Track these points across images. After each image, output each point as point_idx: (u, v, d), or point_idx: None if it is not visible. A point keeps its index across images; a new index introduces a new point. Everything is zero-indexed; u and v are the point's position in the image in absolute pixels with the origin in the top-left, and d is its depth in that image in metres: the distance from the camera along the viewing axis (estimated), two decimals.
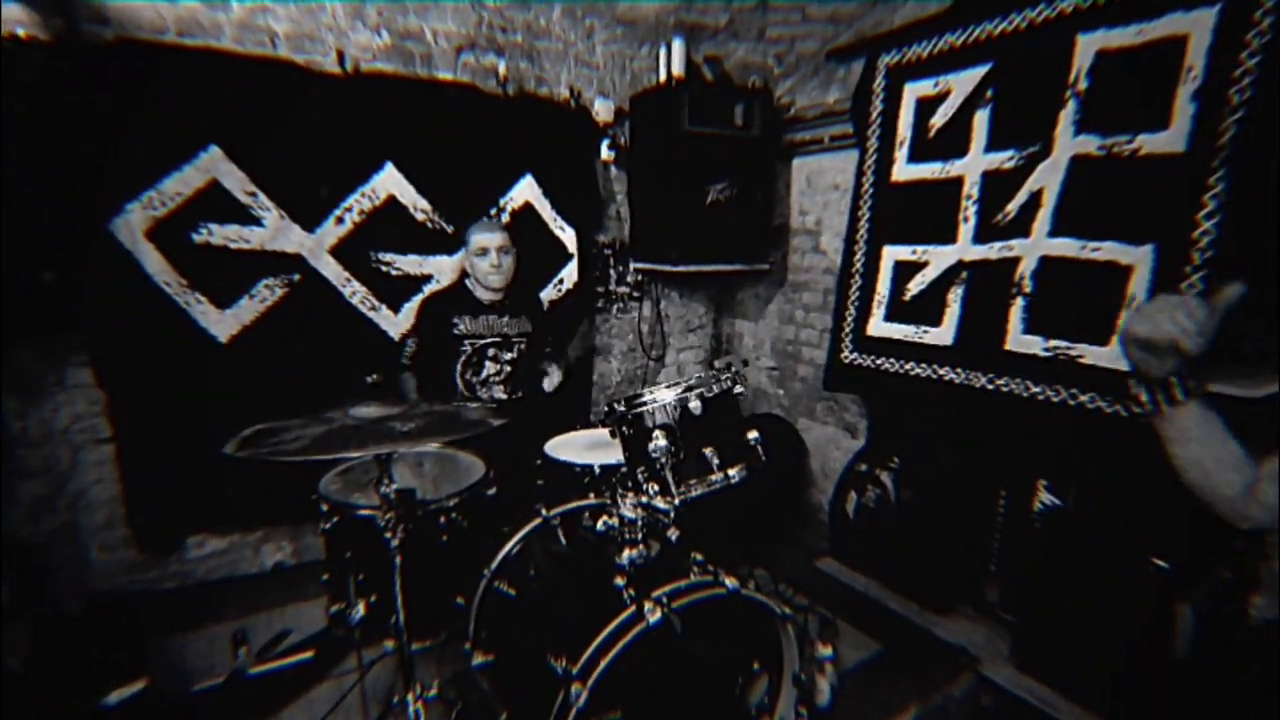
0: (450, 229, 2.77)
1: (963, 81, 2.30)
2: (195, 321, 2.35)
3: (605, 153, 3.15)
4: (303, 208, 2.49)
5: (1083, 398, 2.04)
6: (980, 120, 2.27)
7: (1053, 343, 2.09)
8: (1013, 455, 2.42)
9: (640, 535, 1.74)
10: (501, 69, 2.87)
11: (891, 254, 2.59)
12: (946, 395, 2.43)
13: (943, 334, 2.42)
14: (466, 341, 2.46)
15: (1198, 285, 1.78)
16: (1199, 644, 1.86)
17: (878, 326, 2.65)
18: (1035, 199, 2.11)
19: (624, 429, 1.71)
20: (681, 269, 3.06)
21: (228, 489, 2.46)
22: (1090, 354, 2.01)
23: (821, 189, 3.08)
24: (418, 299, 2.69)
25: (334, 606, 1.89)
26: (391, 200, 2.64)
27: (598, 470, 2.08)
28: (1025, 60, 2.13)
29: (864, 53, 2.65)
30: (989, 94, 2.23)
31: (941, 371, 2.43)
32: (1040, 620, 2.30)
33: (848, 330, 2.78)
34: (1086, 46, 1.97)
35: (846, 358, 2.80)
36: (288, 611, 2.44)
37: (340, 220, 2.55)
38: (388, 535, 1.52)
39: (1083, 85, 1.99)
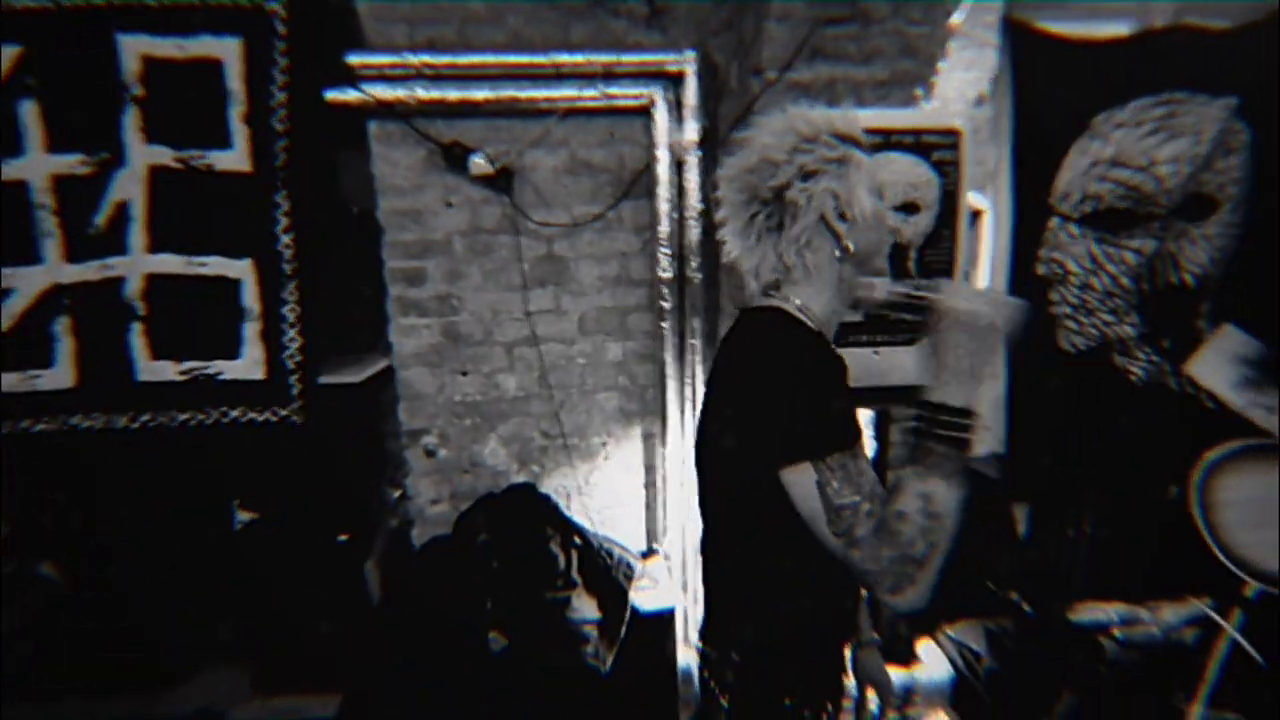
0: None
1: None
2: None
3: None
4: None
5: (234, 413, 2.02)
6: (32, 113, 1.85)
7: (187, 365, 1.97)
8: (199, 488, 2.25)
9: None
10: None
11: None
12: (93, 446, 2.00)
13: (61, 376, 1.95)
14: None
15: (295, 293, 1.98)
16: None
17: None
18: (124, 211, 1.89)
19: None
20: None
21: None
22: (228, 369, 2.00)
23: None
24: None
25: None
26: None
27: None
28: (67, 51, 1.83)
29: None
30: (30, 82, 1.83)
31: (75, 420, 1.98)
32: (269, 630, 2.28)
33: None
34: (130, 49, 1.83)
35: None
36: None
37: None
38: None
39: (140, 91, 1.85)
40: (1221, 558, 1.70)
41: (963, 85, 2.04)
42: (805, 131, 0.98)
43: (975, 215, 2.16)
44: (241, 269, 1.96)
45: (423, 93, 1.96)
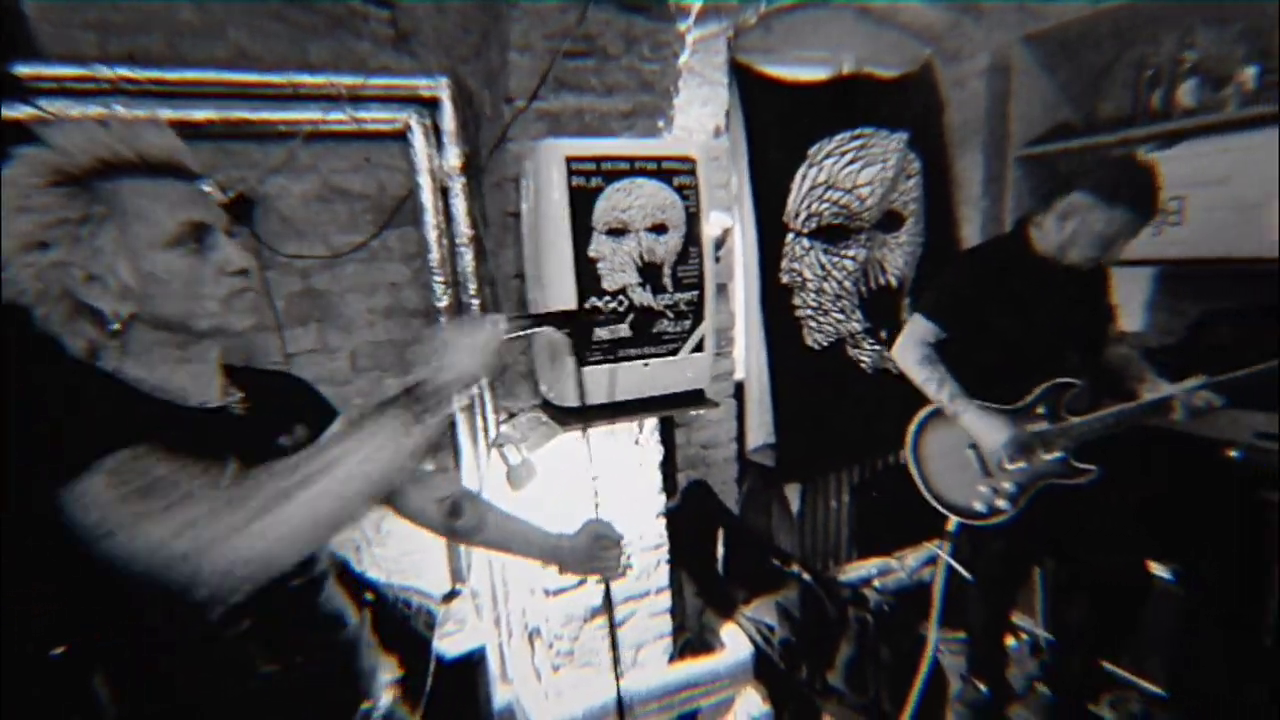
0: None
1: None
2: None
3: None
4: None
5: None
6: None
7: None
8: None
9: None
10: None
11: None
12: None
13: None
14: None
15: None
16: None
17: None
18: None
19: None
20: None
21: None
22: None
23: None
24: None
25: None
26: None
27: None
28: None
29: None
30: None
31: None
32: None
33: None
34: None
35: None
36: None
37: None
38: None
39: None
40: (932, 501, 2.07)
41: (702, 118, 2.27)
42: (27, 181, 0.72)
43: (725, 234, 2.41)
44: None
45: (124, 111, 1.69)
